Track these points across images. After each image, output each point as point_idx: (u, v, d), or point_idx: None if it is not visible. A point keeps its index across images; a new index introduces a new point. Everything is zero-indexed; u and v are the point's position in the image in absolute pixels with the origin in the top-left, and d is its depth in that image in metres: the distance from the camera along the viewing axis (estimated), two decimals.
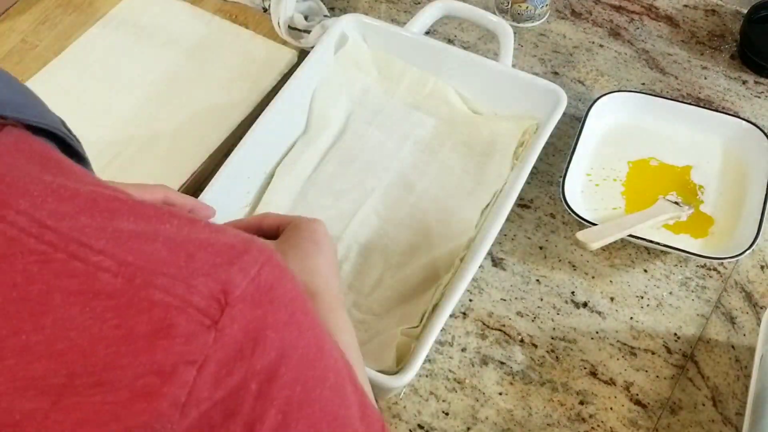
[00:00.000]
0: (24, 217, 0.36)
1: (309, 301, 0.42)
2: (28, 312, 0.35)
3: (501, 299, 0.80)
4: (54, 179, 0.38)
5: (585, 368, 0.76)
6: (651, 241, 0.80)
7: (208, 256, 0.37)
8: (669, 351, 0.77)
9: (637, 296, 0.80)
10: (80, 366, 0.35)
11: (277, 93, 0.86)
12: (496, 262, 0.82)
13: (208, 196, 0.77)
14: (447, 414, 0.74)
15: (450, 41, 0.99)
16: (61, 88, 0.93)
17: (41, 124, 0.42)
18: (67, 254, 0.36)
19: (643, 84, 0.95)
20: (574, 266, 0.82)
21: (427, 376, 0.75)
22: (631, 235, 0.79)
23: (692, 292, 0.80)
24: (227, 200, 0.80)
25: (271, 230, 0.66)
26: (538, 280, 0.81)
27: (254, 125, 0.83)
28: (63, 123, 0.45)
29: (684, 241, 0.81)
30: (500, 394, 0.75)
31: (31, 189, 0.37)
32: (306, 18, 0.96)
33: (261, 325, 0.37)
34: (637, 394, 0.74)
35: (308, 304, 0.42)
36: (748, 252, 0.77)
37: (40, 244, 0.36)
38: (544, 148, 0.81)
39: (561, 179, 0.83)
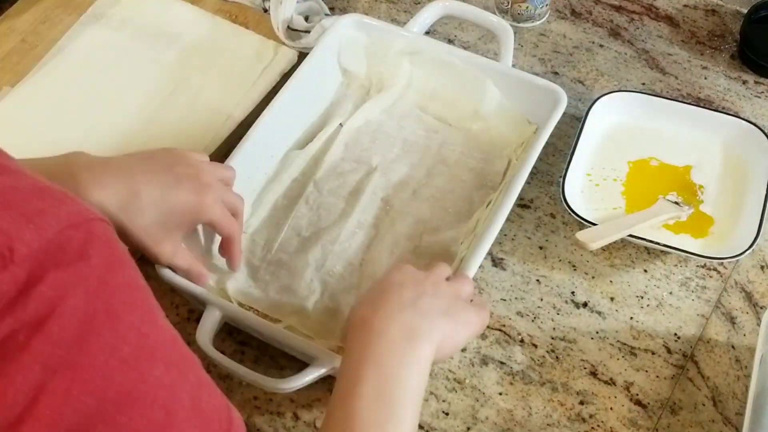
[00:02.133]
0: None
1: (137, 282, 0.44)
2: None
3: (501, 299, 0.80)
4: None
5: (585, 368, 0.76)
6: (651, 241, 0.80)
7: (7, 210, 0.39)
8: (669, 351, 0.77)
9: (637, 296, 0.80)
10: None
11: (277, 93, 0.86)
12: (496, 262, 0.82)
13: None
14: (447, 414, 0.74)
15: (450, 41, 0.99)
16: (60, 88, 0.93)
17: None
18: None
19: (643, 84, 0.95)
20: (574, 266, 0.82)
21: None
22: (631, 235, 0.79)
23: (692, 292, 0.80)
24: None
25: None
26: (538, 280, 0.81)
27: (254, 125, 0.83)
28: None
29: (684, 241, 0.81)
30: (500, 394, 0.75)
31: None
32: (306, 18, 0.96)
33: (39, 281, 0.39)
34: (637, 394, 0.74)
35: (134, 284, 0.44)
36: (748, 252, 0.77)
37: None
38: (544, 148, 0.81)
39: (561, 179, 0.83)
